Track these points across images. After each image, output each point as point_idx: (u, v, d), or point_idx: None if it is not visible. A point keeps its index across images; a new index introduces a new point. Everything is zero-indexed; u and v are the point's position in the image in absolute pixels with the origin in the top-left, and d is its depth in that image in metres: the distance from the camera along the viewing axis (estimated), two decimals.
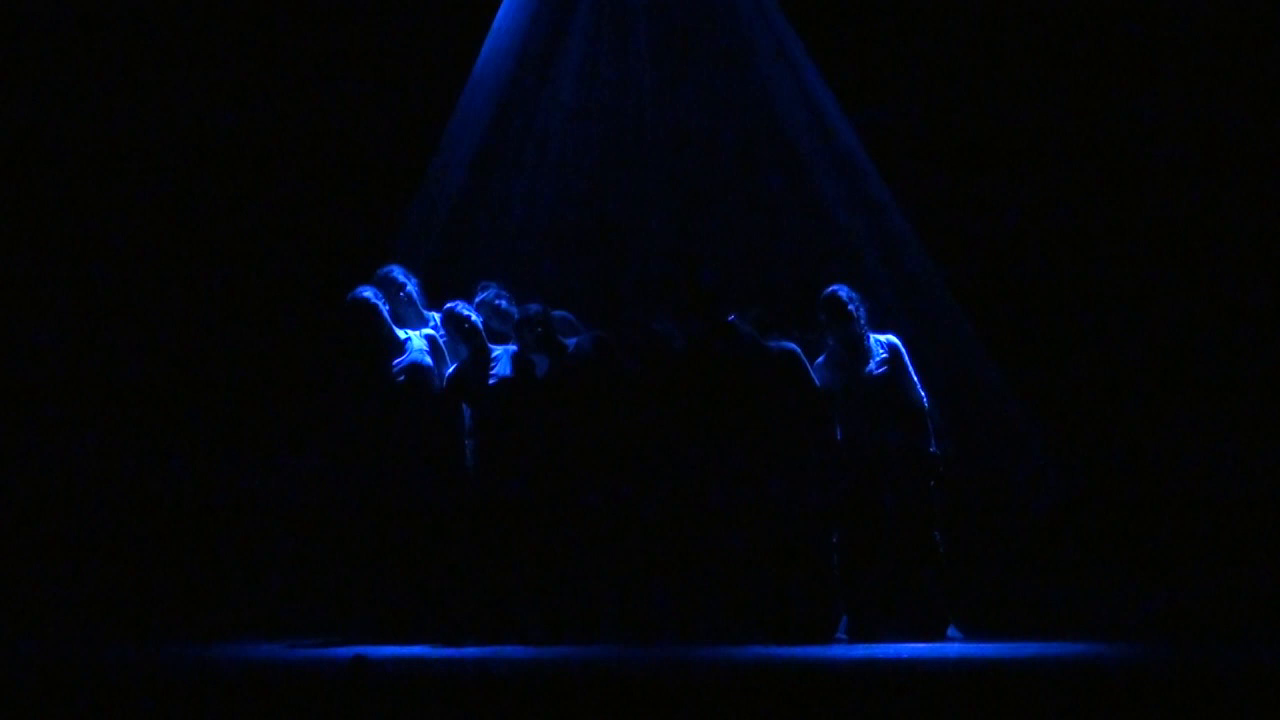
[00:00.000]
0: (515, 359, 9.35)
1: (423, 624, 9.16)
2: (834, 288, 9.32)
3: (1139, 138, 10.85)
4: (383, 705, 7.06)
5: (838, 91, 10.15)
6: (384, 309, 9.38)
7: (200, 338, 10.86)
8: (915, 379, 9.34)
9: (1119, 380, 10.76)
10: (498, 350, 9.40)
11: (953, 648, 8.78)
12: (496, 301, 9.58)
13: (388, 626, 9.12)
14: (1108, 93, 10.92)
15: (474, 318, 9.37)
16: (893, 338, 9.40)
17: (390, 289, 9.57)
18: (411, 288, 9.64)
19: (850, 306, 9.26)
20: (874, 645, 8.83)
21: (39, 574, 10.41)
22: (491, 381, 9.29)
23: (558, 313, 9.56)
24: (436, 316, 9.59)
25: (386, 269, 9.64)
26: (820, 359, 9.38)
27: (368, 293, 9.36)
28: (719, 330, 9.28)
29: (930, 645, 8.84)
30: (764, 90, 10.20)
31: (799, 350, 9.31)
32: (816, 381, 9.26)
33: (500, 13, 10.27)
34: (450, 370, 9.39)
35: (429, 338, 9.44)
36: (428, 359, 9.38)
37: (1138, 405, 10.73)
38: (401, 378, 9.30)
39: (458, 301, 9.41)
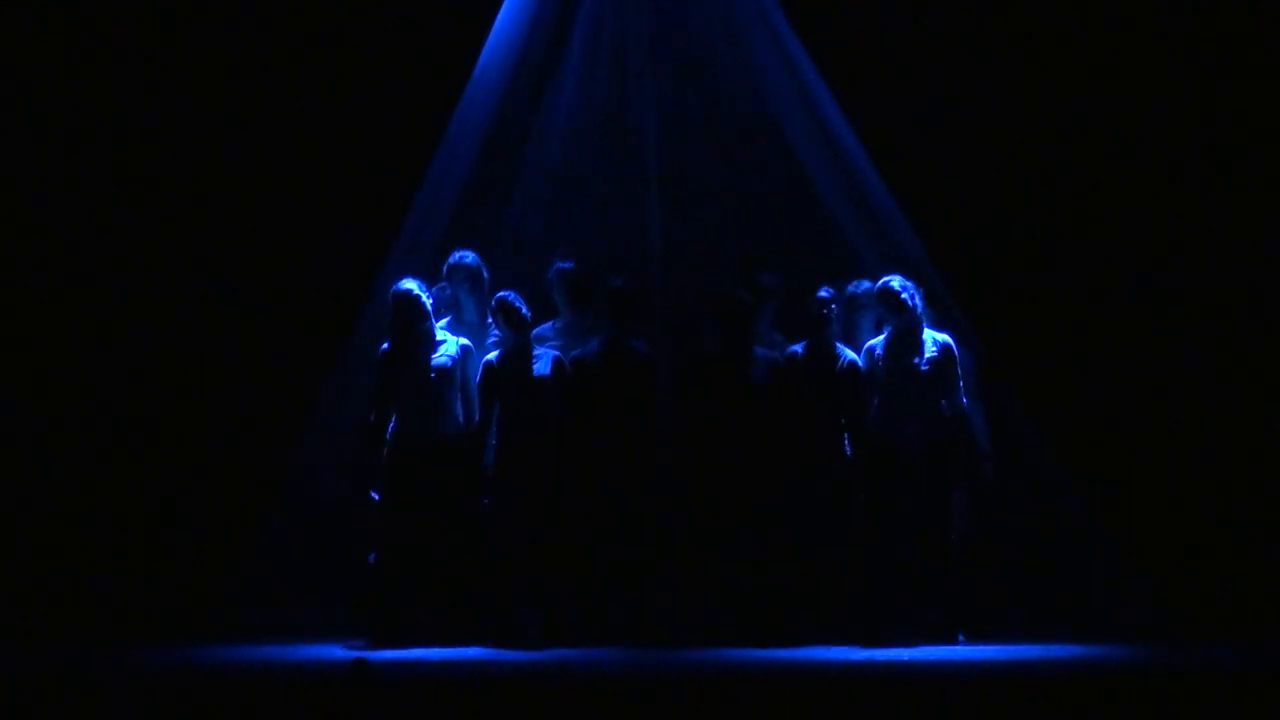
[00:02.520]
0: (555, 364, 9.31)
1: (427, 625, 9.14)
2: (888, 279, 9.22)
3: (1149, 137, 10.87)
4: (383, 706, 7.07)
5: (837, 90, 10.14)
6: (429, 302, 9.32)
7: (203, 334, 10.84)
8: (961, 383, 9.30)
9: (1118, 380, 10.75)
10: (537, 350, 9.36)
11: (956, 650, 8.77)
12: (579, 278, 9.55)
13: (393, 628, 9.08)
14: (1111, 88, 10.93)
15: (524, 311, 9.26)
16: (948, 338, 9.34)
17: (462, 275, 9.46)
18: (487, 275, 9.55)
19: (904, 296, 9.19)
20: (877, 649, 8.81)
21: (37, 574, 10.40)
22: (519, 382, 9.23)
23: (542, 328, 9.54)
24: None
25: (462, 255, 9.56)
26: (872, 345, 9.31)
27: (412, 284, 9.30)
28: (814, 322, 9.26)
29: (934, 648, 8.83)
30: (763, 91, 10.20)
31: (860, 364, 9.31)
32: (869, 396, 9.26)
33: (501, 15, 10.26)
34: (493, 357, 9.29)
35: (464, 348, 9.36)
36: (456, 368, 9.32)
37: (1137, 405, 10.73)
38: (430, 375, 9.24)
39: (510, 291, 9.32)
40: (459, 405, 9.26)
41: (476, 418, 9.24)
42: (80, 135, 10.93)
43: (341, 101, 10.88)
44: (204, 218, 10.94)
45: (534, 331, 9.39)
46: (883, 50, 10.75)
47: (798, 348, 9.41)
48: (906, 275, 9.30)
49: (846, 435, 9.31)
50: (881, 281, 9.27)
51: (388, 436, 9.17)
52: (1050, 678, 7.66)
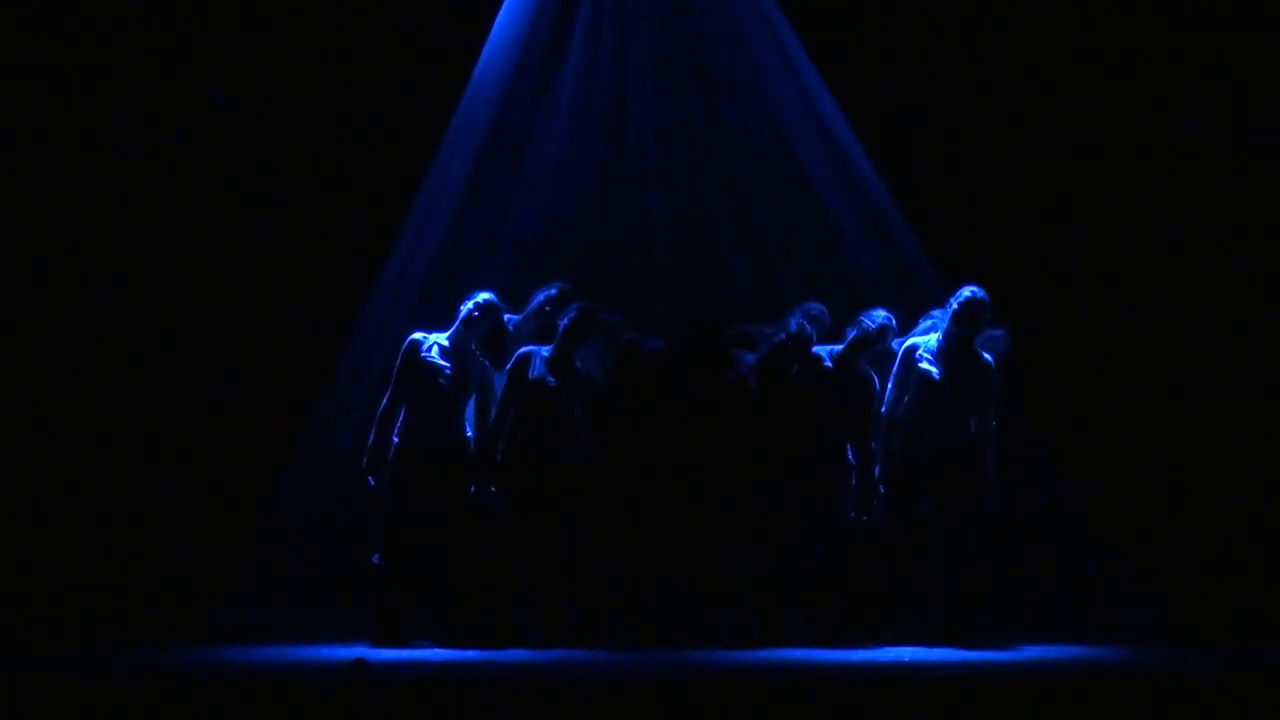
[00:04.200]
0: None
1: (427, 625, 9.15)
2: (979, 290, 9.19)
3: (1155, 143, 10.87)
4: (383, 707, 7.07)
5: (837, 90, 10.15)
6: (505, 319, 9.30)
7: (203, 333, 10.82)
8: (993, 405, 9.27)
9: (1119, 384, 10.75)
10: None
11: (956, 651, 8.77)
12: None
13: (394, 628, 9.08)
14: (1104, 89, 10.93)
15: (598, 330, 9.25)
16: (990, 358, 9.30)
17: (565, 302, 9.34)
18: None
19: (987, 314, 9.19)
20: (877, 649, 8.81)
21: (37, 575, 10.40)
22: (552, 383, 9.25)
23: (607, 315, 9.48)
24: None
25: (565, 284, 9.42)
26: (913, 345, 9.29)
27: (492, 298, 9.23)
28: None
29: (934, 649, 8.83)
30: (763, 92, 10.21)
31: (875, 379, 9.34)
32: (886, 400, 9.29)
33: (501, 15, 10.26)
34: (529, 352, 9.27)
35: (489, 374, 9.36)
36: (471, 383, 9.30)
37: (1138, 407, 10.73)
38: (447, 382, 9.21)
39: (596, 308, 9.26)
40: (469, 416, 9.26)
41: (491, 415, 9.21)
42: (79, 136, 10.92)
43: (342, 102, 10.87)
44: (203, 219, 10.93)
45: None
46: (883, 50, 10.75)
47: (824, 352, 9.36)
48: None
49: (850, 445, 9.29)
50: (972, 291, 9.21)
51: (394, 433, 9.18)
52: (1050, 678, 7.66)
